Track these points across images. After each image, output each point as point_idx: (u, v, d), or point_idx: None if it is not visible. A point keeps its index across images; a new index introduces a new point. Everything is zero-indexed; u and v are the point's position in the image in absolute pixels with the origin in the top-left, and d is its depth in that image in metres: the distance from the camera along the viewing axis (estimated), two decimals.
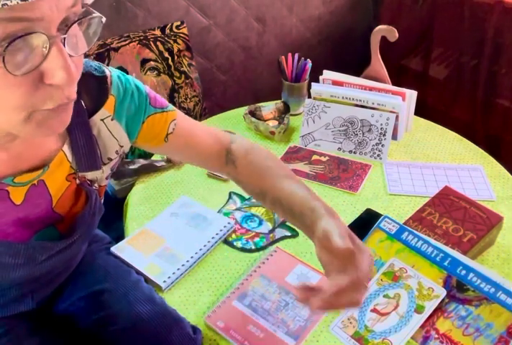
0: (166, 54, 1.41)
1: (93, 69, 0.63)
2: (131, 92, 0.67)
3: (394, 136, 1.25)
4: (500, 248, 0.96)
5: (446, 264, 0.83)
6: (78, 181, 0.66)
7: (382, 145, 1.21)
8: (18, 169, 0.58)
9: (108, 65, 1.32)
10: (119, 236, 1.05)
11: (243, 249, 0.99)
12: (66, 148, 0.62)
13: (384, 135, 1.20)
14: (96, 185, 0.69)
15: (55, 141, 0.61)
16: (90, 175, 0.66)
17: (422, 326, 0.79)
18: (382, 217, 0.92)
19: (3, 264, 0.62)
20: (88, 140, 0.63)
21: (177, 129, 0.73)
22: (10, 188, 0.58)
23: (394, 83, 1.30)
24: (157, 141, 0.73)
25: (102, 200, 0.74)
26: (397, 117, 1.19)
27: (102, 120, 0.64)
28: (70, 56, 0.43)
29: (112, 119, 0.65)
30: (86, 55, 1.28)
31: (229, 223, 1.03)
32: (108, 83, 0.64)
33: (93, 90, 0.63)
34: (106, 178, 0.71)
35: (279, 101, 1.39)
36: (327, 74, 1.31)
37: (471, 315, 0.78)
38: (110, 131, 0.66)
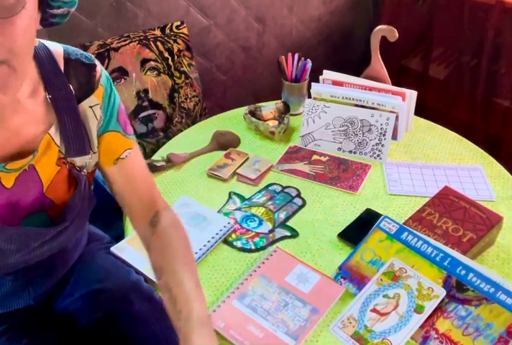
0: (166, 54, 1.42)
1: (83, 57, 0.64)
2: (111, 92, 0.68)
3: (394, 136, 1.26)
4: (500, 248, 0.96)
5: (445, 264, 0.83)
6: (67, 166, 0.66)
7: (382, 145, 1.21)
8: (3, 153, 0.58)
9: (108, 64, 1.32)
10: (118, 235, 1.05)
11: (243, 249, 0.99)
12: (53, 132, 0.62)
13: (384, 135, 1.20)
14: (84, 170, 0.69)
15: (35, 125, 0.61)
16: (79, 161, 0.67)
17: (422, 326, 0.79)
18: (382, 217, 0.93)
19: None
20: (76, 125, 0.63)
21: (127, 160, 0.73)
22: (1, 174, 0.59)
23: (394, 83, 1.30)
24: (108, 160, 0.72)
25: (92, 188, 0.75)
26: (397, 117, 1.19)
27: (91, 107, 0.65)
28: None
29: (101, 108, 0.66)
30: None
31: (228, 223, 1.03)
32: (96, 72, 0.65)
33: (81, 76, 0.64)
34: (95, 165, 0.72)
35: (279, 101, 1.39)
36: (327, 74, 1.31)
37: (471, 315, 0.78)
38: (97, 119, 0.66)
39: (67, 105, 0.62)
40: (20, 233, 0.63)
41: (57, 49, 0.63)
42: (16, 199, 0.63)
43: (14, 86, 0.49)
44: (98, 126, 0.68)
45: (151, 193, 0.78)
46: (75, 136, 0.64)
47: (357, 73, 1.32)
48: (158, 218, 0.76)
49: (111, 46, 1.31)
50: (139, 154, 0.76)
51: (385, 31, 1.26)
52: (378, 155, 1.22)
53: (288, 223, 1.05)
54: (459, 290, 0.81)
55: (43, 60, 0.60)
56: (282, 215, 1.07)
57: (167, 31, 1.39)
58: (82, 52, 0.65)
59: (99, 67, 0.66)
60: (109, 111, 0.68)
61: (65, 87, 0.61)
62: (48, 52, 0.61)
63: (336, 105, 1.24)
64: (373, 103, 1.21)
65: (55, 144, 0.63)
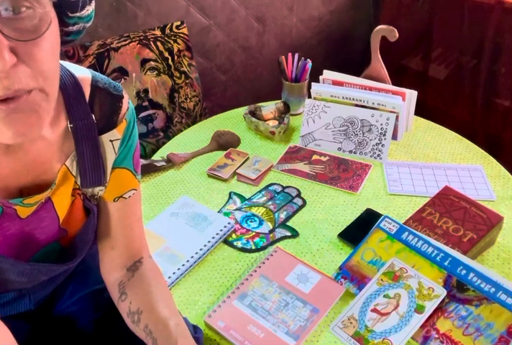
0: (166, 54, 1.41)
1: (111, 86, 0.62)
2: (133, 129, 0.66)
3: (394, 136, 1.26)
4: (500, 248, 0.96)
5: (446, 264, 0.83)
6: (82, 197, 0.65)
7: (383, 145, 1.21)
8: (20, 184, 0.57)
9: (108, 65, 1.32)
10: None
11: (243, 249, 0.99)
12: (70, 162, 0.60)
13: (384, 135, 1.20)
14: (93, 200, 0.67)
15: (52, 154, 0.59)
16: (90, 191, 0.65)
17: (422, 326, 0.79)
18: (382, 217, 0.93)
19: (7, 280, 0.62)
20: (94, 155, 0.61)
21: (129, 200, 0.70)
22: (18, 207, 0.57)
23: (394, 83, 1.30)
24: (110, 195, 0.68)
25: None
26: (397, 117, 1.19)
27: (111, 141, 0.63)
28: (16, 40, 0.41)
29: (120, 142, 0.64)
30: (85, 55, 1.28)
31: (229, 223, 1.03)
32: (122, 104, 0.63)
33: (106, 107, 0.61)
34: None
35: (279, 101, 1.39)
36: (327, 74, 1.31)
37: (471, 315, 0.78)
38: (115, 153, 0.65)
39: (88, 135, 0.60)
40: (32, 268, 0.62)
41: (84, 75, 0.60)
42: (31, 230, 0.61)
43: (47, 110, 0.47)
44: (113, 160, 0.66)
45: (142, 238, 0.75)
46: (92, 167, 0.62)
47: (357, 73, 1.32)
48: (141, 263, 0.73)
49: (111, 46, 1.30)
50: (141, 197, 0.74)
51: (385, 31, 1.26)
52: (378, 155, 1.22)
53: (288, 223, 1.05)
54: (459, 289, 0.81)
55: (67, 87, 0.58)
56: (282, 215, 1.07)
57: (167, 31, 1.39)
58: (111, 81, 0.63)
59: (126, 100, 0.63)
60: (127, 147, 0.66)
61: (88, 117, 0.59)
62: (73, 79, 0.59)
63: (336, 105, 1.24)
64: (373, 103, 1.21)
65: (71, 174, 0.61)
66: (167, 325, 0.64)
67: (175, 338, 0.63)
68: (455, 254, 0.84)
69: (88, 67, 1.27)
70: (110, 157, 0.64)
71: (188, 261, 0.95)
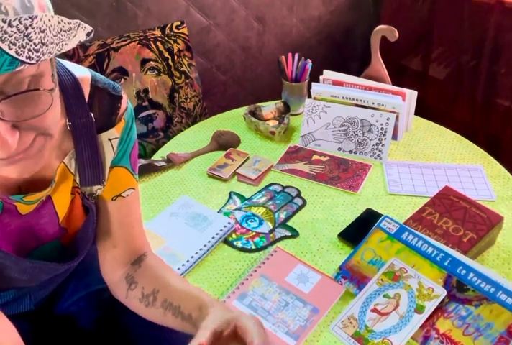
0: (166, 54, 1.41)
1: (111, 87, 0.63)
2: (131, 128, 0.66)
3: (394, 136, 1.26)
4: (500, 248, 0.96)
5: (446, 264, 0.83)
6: (80, 196, 0.65)
7: (383, 145, 1.21)
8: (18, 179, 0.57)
9: (108, 65, 1.32)
10: None
11: (243, 249, 0.99)
12: (68, 160, 0.61)
13: (384, 135, 1.20)
14: (91, 199, 0.68)
15: (50, 151, 0.58)
16: (89, 190, 0.65)
17: (422, 326, 0.79)
18: (382, 217, 0.93)
19: (8, 277, 0.62)
20: (93, 154, 0.62)
21: (127, 199, 0.70)
22: (18, 204, 0.58)
23: (394, 83, 1.30)
24: (108, 194, 0.69)
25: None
26: (397, 117, 1.19)
27: (110, 140, 0.63)
28: (17, 121, 0.43)
29: (118, 141, 0.65)
30: (85, 55, 1.27)
31: (229, 223, 1.03)
32: (121, 104, 0.63)
33: (105, 107, 0.62)
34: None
35: (279, 101, 1.39)
36: (327, 74, 1.31)
37: (471, 315, 0.78)
38: (114, 152, 0.65)
39: (87, 133, 0.60)
40: (34, 266, 0.63)
41: (84, 75, 0.61)
42: (31, 226, 0.62)
43: (51, 146, 0.49)
44: (112, 159, 0.66)
45: (142, 235, 0.76)
46: (91, 165, 0.62)
47: (357, 73, 1.32)
48: (146, 256, 0.74)
49: (111, 46, 1.31)
50: (139, 196, 0.74)
51: (385, 31, 1.26)
52: (378, 155, 1.22)
53: (288, 223, 1.05)
54: (459, 289, 0.81)
55: (67, 86, 0.59)
56: (282, 215, 1.07)
57: (167, 31, 1.39)
58: (110, 81, 0.63)
59: (125, 100, 0.64)
60: (125, 146, 0.66)
61: (87, 115, 0.60)
62: (73, 79, 0.59)
63: (336, 105, 1.24)
64: (373, 103, 1.21)
65: (70, 172, 0.62)
66: (189, 291, 0.65)
67: (201, 296, 0.63)
68: (455, 254, 0.84)
69: (88, 67, 1.27)
70: (108, 156, 0.65)
71: (188, 261, 0.95)
